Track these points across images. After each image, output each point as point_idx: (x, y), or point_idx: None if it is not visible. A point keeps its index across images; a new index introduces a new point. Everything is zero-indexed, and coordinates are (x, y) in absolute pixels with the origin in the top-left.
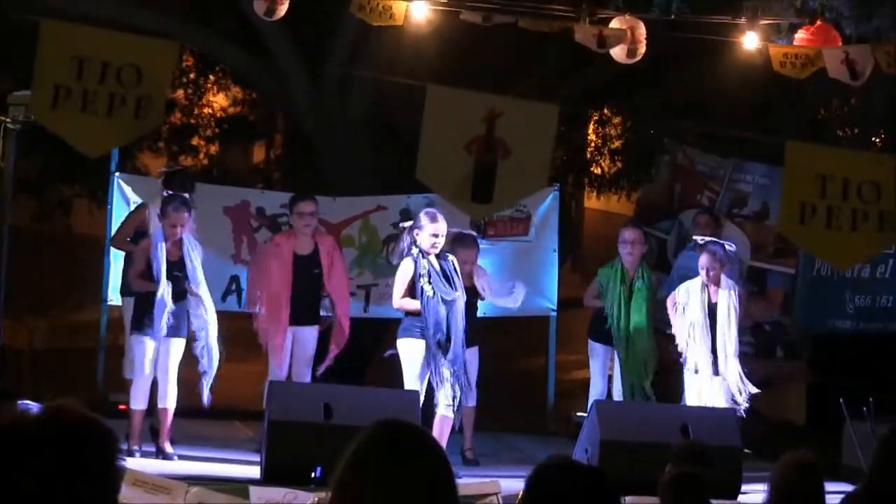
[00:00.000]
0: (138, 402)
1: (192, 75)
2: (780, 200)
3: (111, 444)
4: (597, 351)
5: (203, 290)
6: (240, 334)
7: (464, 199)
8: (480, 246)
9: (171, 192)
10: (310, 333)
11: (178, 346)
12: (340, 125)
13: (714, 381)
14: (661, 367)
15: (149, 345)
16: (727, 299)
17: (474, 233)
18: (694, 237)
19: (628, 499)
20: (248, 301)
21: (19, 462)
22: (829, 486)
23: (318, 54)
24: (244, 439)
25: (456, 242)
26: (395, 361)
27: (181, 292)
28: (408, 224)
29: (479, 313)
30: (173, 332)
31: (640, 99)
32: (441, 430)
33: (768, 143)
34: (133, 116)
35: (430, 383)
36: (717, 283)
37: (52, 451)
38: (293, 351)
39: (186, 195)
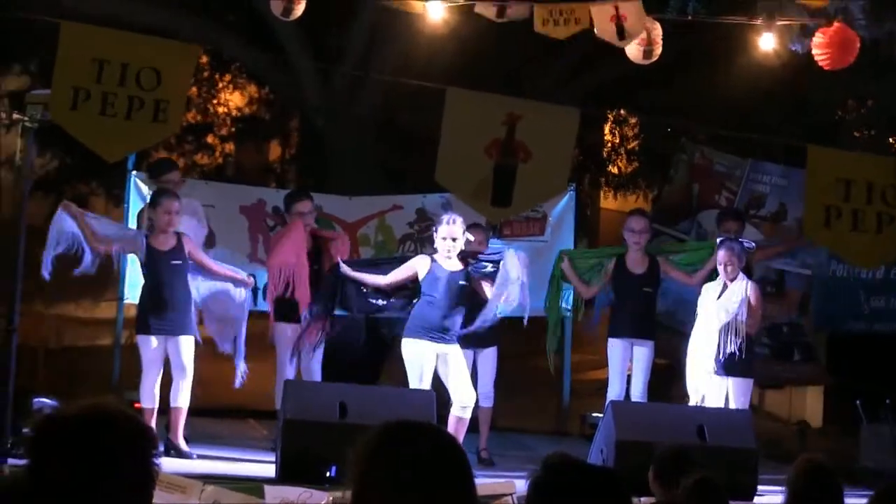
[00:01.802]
0: (147, 401)
1: (206, 74)
2: (804, 204)
3: (147, 442)
4: (615, 347)
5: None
6: (254, 333)
7: (483, 203)
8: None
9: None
10: None
11: (187, 343)
12: (353, 123)
13: (731, 381)
14: (675, 368)
15: (153, 342)
16: (740, 295)
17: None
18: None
19: (643, 499)
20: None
21: (55, 456)
22: (845, 489)
23: (331, 52)
24: (259, 438)
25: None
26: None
27: (184, 285)
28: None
29: (497, 313)
30: (181, 329)
31: (656, 98)
32: (456, 431)
33: (787, 144)
34: (152, 120)
35: (441, 384)
36: (733, 280)
37: (89, 447)
38: (302, 347)
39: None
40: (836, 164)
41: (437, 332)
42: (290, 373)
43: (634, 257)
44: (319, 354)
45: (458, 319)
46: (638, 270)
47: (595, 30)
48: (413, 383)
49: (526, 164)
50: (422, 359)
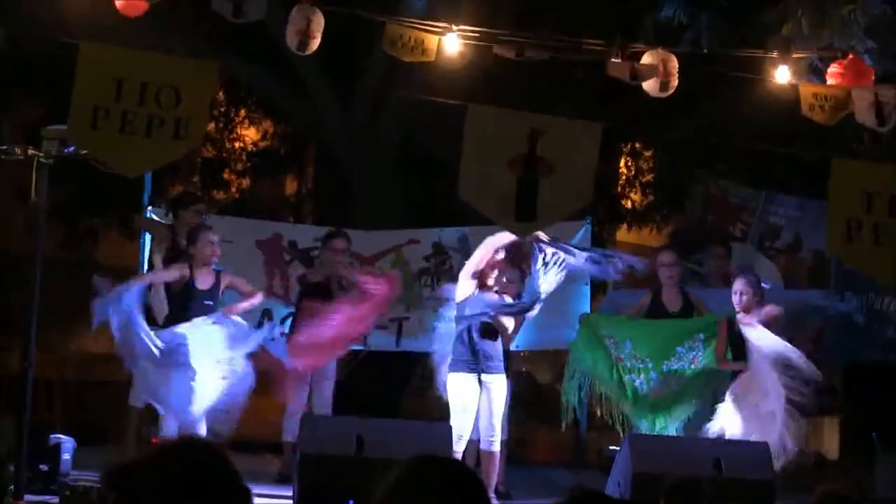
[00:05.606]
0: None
1: (222, 109)
2: (825, 223)
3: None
4: None
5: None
6: (270, 367)
7: (508, 218)
8: None
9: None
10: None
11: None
12: (372, 154)
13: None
14: None
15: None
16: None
17: None
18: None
19: None
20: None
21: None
22: None
23: (350, 82)
24: (275, 472)
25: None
26: (426, 394)
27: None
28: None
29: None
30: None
31: (671, 131)
32: (485, 464)
33: (809, 160)
34: (172, 137)
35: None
36: (748, 311)
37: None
38: (313, 375)
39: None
40: (860, 175)
41: (476, 363)
42: (297, 405)
43: (669, 294)
44: (330, 388)
45: (497, 345)
46: (673, 308)
47: (608, 70)
48: (455, 417)
49: (549, 179)
50: (463, 391)
